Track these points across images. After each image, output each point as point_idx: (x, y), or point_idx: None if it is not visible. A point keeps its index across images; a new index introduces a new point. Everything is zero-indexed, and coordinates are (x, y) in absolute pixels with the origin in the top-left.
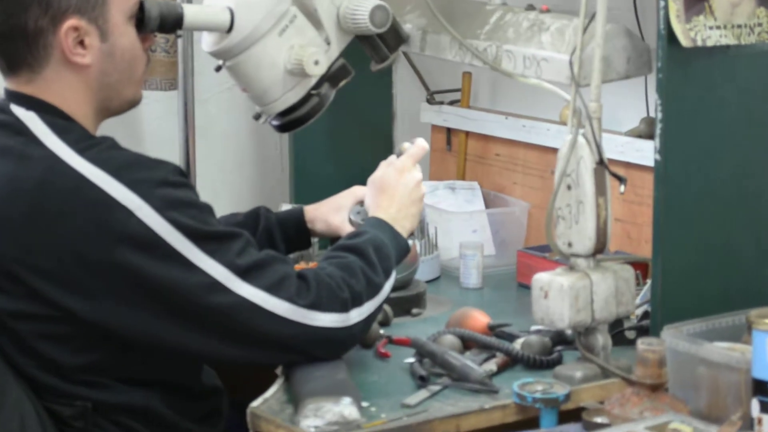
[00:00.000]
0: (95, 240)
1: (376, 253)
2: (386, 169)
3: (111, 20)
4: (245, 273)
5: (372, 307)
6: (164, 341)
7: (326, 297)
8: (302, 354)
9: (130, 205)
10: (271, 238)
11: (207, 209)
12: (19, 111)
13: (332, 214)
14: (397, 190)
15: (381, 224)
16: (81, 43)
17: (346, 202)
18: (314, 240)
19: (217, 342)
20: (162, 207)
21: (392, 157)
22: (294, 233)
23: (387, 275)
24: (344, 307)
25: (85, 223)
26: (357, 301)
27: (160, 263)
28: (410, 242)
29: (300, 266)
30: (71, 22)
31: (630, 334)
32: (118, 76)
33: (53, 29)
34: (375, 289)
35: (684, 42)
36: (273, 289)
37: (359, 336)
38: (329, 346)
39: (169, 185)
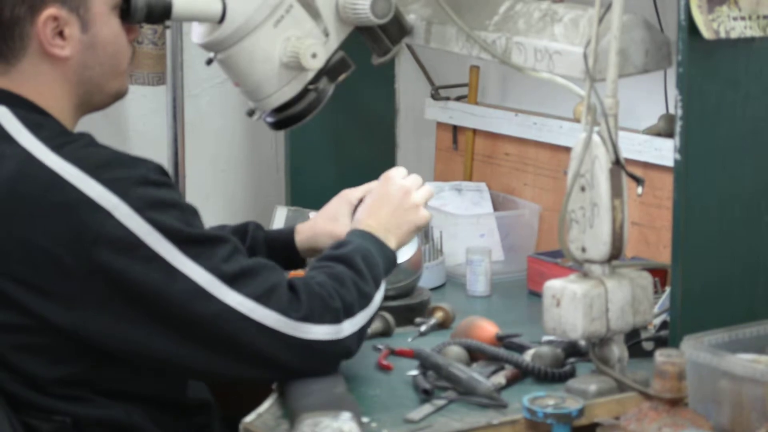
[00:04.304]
0: (71, 242)
1: (364, 261)
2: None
3: (93, 9)
4: (232, 280)
5: (364, 319)
6: (146, 352)
7: (318, 308)
8: (292, 369)
9: (107, 205)
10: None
11: (191, 211)
12: None
13: (332, 225)
14: (381, 199)
15: (363, 234)
16: (60, 33)
17: (340, 208)
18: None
19: (201, 353)
20: (141, 207)
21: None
22: (281, 254)
23: (377, 285)
24: (336, 318)
25: (60, 225)
26: (349, 312)
27: (139, 267)
28: (414, 248)
29: (294, 273)
30: (50, 11)
31: (648, 346)
32: (99, 69)
33: (31, 18)
34: (366, 300)
35: (706, 34)
36: (262, 298)
37: (353, 349)
38: (321, 361)
39: (150, 184)
